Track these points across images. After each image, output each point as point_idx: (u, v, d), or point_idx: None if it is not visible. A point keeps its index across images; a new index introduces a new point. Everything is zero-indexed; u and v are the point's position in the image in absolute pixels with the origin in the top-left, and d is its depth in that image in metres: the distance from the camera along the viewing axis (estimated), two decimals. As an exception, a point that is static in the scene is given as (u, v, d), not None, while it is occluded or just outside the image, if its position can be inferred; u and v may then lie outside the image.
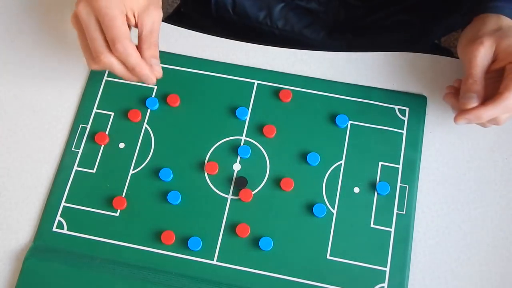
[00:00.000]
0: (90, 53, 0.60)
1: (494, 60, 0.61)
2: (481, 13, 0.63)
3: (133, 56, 0.59)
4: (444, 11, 0.79)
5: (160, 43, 0.72)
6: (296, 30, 0.76)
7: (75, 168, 0.65)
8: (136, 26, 0.61)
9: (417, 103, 0.67)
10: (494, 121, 0.60)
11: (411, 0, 0.79)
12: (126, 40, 0.58)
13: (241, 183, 0.64)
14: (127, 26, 0.59)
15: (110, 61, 0.59)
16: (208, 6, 0.81)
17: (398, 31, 0.81)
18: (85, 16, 0.58)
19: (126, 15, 0.59)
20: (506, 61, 0.59)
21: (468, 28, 0.64)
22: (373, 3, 0.80)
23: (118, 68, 0.60)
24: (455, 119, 0.60)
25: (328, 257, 0.61)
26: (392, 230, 0.62)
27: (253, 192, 0.64)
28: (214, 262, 0.61)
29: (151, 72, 0.60)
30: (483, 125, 0.62)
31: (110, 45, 0.58)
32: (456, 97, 0.62)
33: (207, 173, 0.64)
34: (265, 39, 0.74)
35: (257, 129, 0.66)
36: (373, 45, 0.79)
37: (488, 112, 0.58)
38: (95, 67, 0.60)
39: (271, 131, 0.66)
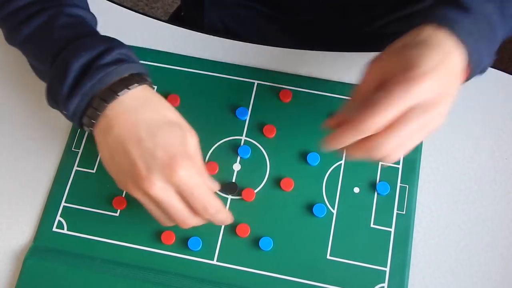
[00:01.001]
0: (168, 220, 0.55)
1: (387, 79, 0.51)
2: (424, 22, 0.53)
3: (224, 211, 0.56)
4: None
5: (160, 43, 0.72)
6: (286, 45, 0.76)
7: (75, 168, 0.65)
8: None
9: (417, 103, 0.67)
10: (376, 155, 0.51)
11: (408, 9, 0.79)
12: (215, 201, 0.54)
13: (231, 189, 0.63)
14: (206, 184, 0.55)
15: (198, 223, 0.56)
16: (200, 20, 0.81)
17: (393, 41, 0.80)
18: (164, 195, 0.52)
19: None
20: (392, 79, 0.50)
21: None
22: (371, 13, 0.79)
23: (202, 223, 0.57)
24: (321, 146, 0.53)
25: (328, 257, 0.61)
26: (392, 230, 0.62)
27: (253, 192, 0.64)
28: (214, 262, 0.61)
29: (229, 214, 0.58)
30: (382, 160, 0.52)
31: (199, 211, 0.54)
32: None
33: (207, 173, 0.64)
34: None
35: (257, 129, 0.66)
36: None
37: (345, 133, 0.50)
38: (171, 225, 0.56)
39: (271, 131, 0.66)
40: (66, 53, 0.55)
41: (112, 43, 0.56)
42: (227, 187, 0.63)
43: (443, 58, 0.50)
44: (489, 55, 0.55)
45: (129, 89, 0.54)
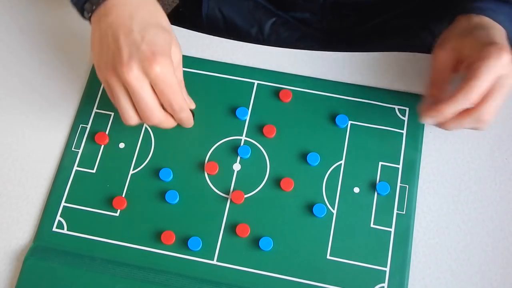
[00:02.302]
0: (135, 113, 0.59)
1: (461, 60, 0.60)
2: (461, 14, 0.63)
3: (186, 111, 0.61)
4: (439, 15, 0.79)
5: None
6: (289, 44, 0.76)
7: (75, 168, 0.65)
8: None
9: (417, 103, 0.67)
10: (474, 123, 0.59)
11: (407, 5, 0.79)
12: (182, 99, 0.59)
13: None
14: (154, 95, 0.58)
15: (161, 120, 0.59)
16: (201, 22, 0.81)
17: (395, 37, 0.80)
18: (138, 84, 0.56)
19: None
20: (473, 57, 0.58)
21: (443, 32, 0.64)
22: (367, 11, 0.79)
23: (168, 124, 0.61)
24: (420, 119, 0.60)
25: (328, 257, 0.61)
26: (392, 230, 0.62)
27: (253, 192, 0.64)
28: (214, 262, 0.61)
29: (192, 116, 0.64)
30: (475, 127, 0.60)
31: (165, 105, 0.59)
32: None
33: (207, 173, 0.64)
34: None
35: (257, 129, 0.66)
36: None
37: (448, 106, 0.57)
38: (136, 124, 0.60)
39: (271, 131, 0.66)
40: None
41: None
42: None
43: (502, 37, 0.60)
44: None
45: None
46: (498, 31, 0.60)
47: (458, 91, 0.57)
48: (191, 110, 0.63)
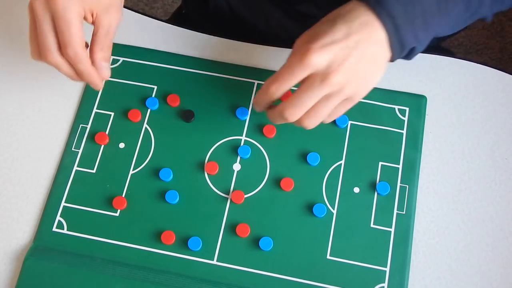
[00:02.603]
0: (37, 46, 0.58)
1: None
2: None
3: (83, 63, 0.58)
4: None
5: (160, 43, 0.72)
6: (295, 38, 0.76)
7: (75, 168, 0.65)
8: (93, 23, 0.59)
9: (417, 103, 0.67)
10: (280, 118, 0.56)
11: None
12: (78, 47, 0.56)
13: (187, 115, 0.65)
14: (82, 31, 0.57)
15: (57, 62, 0.58)
16: (206, 14, 0.81)
17: None
18: (40, 11, 0.55)
19: (84, 16, 0.58)
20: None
21: None
22: None
23: (65, 69, 0.59)
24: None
25: (328, 257, 0.61)
26: (392, 230, 0.62)
27: (253, 192, 0.64)
28: (214, 262, 0.61)
29: (98, 78, 0.60)
30: (298, 125, 0.57)
31: (61, 47, 0.57)
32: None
33: (207, 173, 0.64)
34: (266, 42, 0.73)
35: (257, 129, 0.66)
36: None
37: (258, 96, 0.56)
38: (38, 60, 0.59)
39: (271, 131, 0.66)
40: None
41: None
42: (184, 113, 0.65)
43: (350, 32, 0.52)
44: (418, 42, 0.56)
45: None
46: (351, 27, 0.53)
47: (265, 82, 0.56)
48: (191, 112, 0.63)
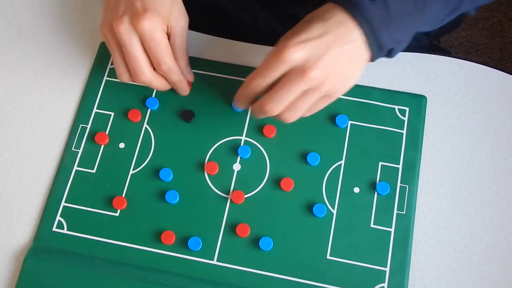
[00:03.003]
0: (126, 69, 0.60)
1: None
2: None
3: (176, 74, 0.61)
4: None
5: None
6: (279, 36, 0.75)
7: (75, 168, 0.65)
8: (168, 34, 0.61)
9: (417, 103, 0.67)
10: (259, 112, 0.58)
11: None
12: (171, 61, 0.60)
13: (187, 115, 0.66)
14: (169, 45, 0.60)
15: (150, 80, 0.60)
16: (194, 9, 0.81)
17: None
18: (127, 37, 0.58)
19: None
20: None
21: None
22: None
23: (158, 84, 0.62)
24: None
25: (328, 257, 0.61)
26: (392, 230, 0.62)
27: (253, 192, 0.64)
28: (214, 262, 0.61)
29: (186, 83, 0.64)
30: (279, 119, 0.58)
31: (154, 65, 0.60)
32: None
33: (207, 173, 0.64)
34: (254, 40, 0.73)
35: (257, 129, 0.66)
36: None
37: (242, 90, 0.58)
38: (128, 82, 0.62)
39: (271, 131, 0.66)
40: None
41: None
42: (184, 113, 0.66)
43: (325, 31, 0.54)
44: (396, 43, 0.57)
45: None
46: (326, 26, 0.54)
47: (246, 78, 0.57)
48: (191, 112, 0.63)
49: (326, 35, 0.54)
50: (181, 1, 0.61)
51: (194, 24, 0.69)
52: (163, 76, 0.62)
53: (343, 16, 0.54)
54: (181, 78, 0.63)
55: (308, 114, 0.59)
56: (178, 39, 0.61)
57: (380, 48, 0.56)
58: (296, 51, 0.53)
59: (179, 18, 0.61)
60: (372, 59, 0.57)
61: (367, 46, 0.55)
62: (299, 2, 0.78)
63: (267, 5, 0.80)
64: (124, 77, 0.61)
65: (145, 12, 0.57)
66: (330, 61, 0.54)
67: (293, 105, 0.56)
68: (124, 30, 0.57)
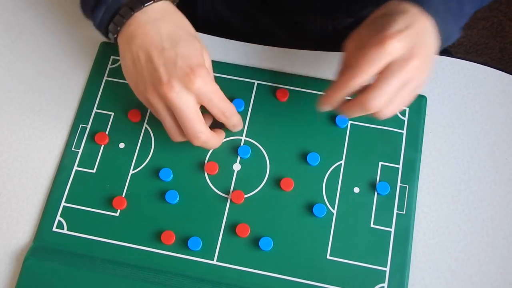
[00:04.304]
0: (178, 129, 0.59)
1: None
2: None
3: (237, 115, 0.62)
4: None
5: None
6: (282, 43, 0.76)
7: (75, 168, 0.65)
8: None
9: (417, 103, 0.67)
10: (360, 110, 0.56)
11: None
12: (229, 103, 0.59)
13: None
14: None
15: (209, 137, 0.59)
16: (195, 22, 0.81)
17: None
18: (181, 102, 0.56)
19: None
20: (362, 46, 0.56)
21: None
22: (358, 16, 0.79)
23: (215, 141, 0.61)
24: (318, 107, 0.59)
25: (328, 257, 0.61)
26: (392, 230, 0.62)
27: (253, 192, 0.64)
28: (214, 262, 0.61)
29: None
30: (376, 115, 0.57)
31: (217, 116, 0.59)
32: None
33: (207, 173, 0.64)
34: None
35: (257, 129, 0.66)
36: None
37: (332, 92, 0.56)
38: (183, 140, 0.60)
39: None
40: None
41: None
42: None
43: (410, 22, 0.55)
44: (457, 29, 0.60)
45: (154, 1, 0.58)
46: (408, 18, 0.55)
47: (341, 77, 0.56)
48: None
49: (412, 25, 0.54)
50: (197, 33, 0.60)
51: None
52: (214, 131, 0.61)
53: (414, 8, 0.56)
54: (239, 117, 0.63)
55: (400, 108, 0.59)
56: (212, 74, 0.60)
57: (447, 38, 0.58)
58: (398, 41, 0.53)
59: (207, 56, 0.60)
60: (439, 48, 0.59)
61: (438, 36, 0.57)
62: (303, 9, 0.78)
63: (271, 13, 0.80)
64: (178, 138, 0.60)
65: (193, 70, 0.55)
66: (424, 50, 0.55)
67: (395, 97, 0.55)
68: (177, 95, 0.55)
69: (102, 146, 0.66)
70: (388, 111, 0.56)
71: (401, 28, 0.54)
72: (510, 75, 0.69)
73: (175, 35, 0.57)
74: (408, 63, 0.54)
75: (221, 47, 0.71)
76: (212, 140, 0.60)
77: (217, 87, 0.58)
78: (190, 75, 0.55)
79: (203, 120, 0.58)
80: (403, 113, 0.66)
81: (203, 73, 0.56)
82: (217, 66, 0.69)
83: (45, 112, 0.68)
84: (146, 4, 0.58)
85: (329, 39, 0.81)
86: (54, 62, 0.71)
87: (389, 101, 0.55)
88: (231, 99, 0.67)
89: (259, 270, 0.61)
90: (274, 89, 0.68)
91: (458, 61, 0.69)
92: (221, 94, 0.58)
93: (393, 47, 0.53)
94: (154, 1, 0.58)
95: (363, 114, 0.56)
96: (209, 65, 0.60)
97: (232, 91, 0.68)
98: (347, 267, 0.60)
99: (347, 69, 0.56)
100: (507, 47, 1.46)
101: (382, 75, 0.54)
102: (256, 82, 0.68)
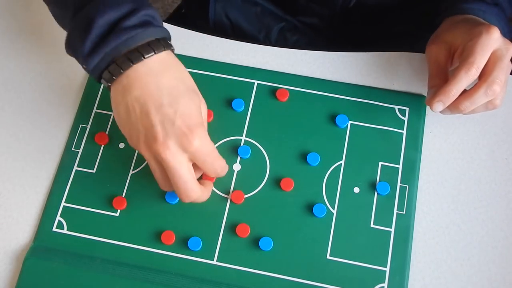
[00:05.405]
0: (168, 182, 0.57)
1: (454, 50, 0.63)
2: (449, 16, 0.67)
3: (227, 167, 0.59)
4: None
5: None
6: (295, 48, 0.76)
7: (75, 168, 0.65)
8: None
9: (417, 103, 0.67)
10: (485, 97, 0.60)
11: (408, 11, 0.79)
12: (223, 162, 0.58)
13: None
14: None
15: (199, 195, 0.57)
16: (207, 25, 0.81)
17: (399, 42, 0.80)
18: (175, 162, 0.54)
19: None
20: (465, 42, 0.61)
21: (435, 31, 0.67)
22: (375, 17, 0.79)
23: (205, 196, 0.59)
24: (430, 106, 0.61)
25: (328, 257, 0.61)
26: (392, 230, 0.62)
27: (253, 192, 0.64)
28: (214, 262, 0.61)
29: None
30: (485, 108, 0.62)
31: (209, 173, 0.58)
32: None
33: (207, 173, 0.64)
34: None
35: (257, 129, 0.66)
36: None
37: (452, 86, 0.59)
38: (170, 190, 0.58)
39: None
40: (91, 7, 0.55)
41: (138, 3, 0.56)
42: None
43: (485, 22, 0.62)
44: (505, 34, 0.65)
45: (155, 52, 0.55)
46: (484, 21, 0.63)
47: (458, 69, 0.59)
48: None
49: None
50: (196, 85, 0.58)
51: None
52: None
53: (480, 20, 0.64)
54: (227, 169, 0.60)
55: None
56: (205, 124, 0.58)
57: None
58: (497, 31, 0.60)
59: (204, 109, 0.58)
60: None
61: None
62: (314, 12, 0.78)
63: (282, 15, 0.80)
64: (168, 189, 0.57)
65: (191, 130, 0.53)
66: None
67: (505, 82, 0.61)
68: (172, 155, 0.53)
69: (102, 146, 0.66)
70: (503, 94, 0.61)
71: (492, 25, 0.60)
72: (510, 75, 0.68)
73: (175, 91, 0.54)
74: (509, 47, 0.60)
75: (221, 47, 0.71)
76: (202, 197, 0.58)
77: (213, 147, 0.56)
78: (189, 136, 0.53)
79: (195, 179, 0.56)
80: (403, 113, 0.66)
81: (201, 133, 0.54)
82: (217, 66, 0.69)
83: (45, 112, 0.68)
84: (146, 56, 0.54)
85: (342, 44, 0.81)
86: (54, 63, 0.71)
87: (505, 83, 0.60)
88: (231, 99, 0.67)
89: (259, 270, 0.61)
90: (274, 89, 0.68)
91: (458, 61, 0.69)
92: (215, 154, 0.57)
93: (498, 34, 0.59)
94: (155, 53, 0.55)
95: (485, 102, 0.60)
96: (205, 116, 0.58)
97: (232, 91, 0.68)
98: (347, 267, 0.60)
99: (462, 62, 0.60)
100: (507, 47, 1.46)
101: (494, 58, 0.59)
102: (256, 82, 0.68)
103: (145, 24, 0.55)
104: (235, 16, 0.80)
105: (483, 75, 0.60)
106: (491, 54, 0.60)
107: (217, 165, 0.57)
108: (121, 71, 0.54)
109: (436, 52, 0.64)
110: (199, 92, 0.57)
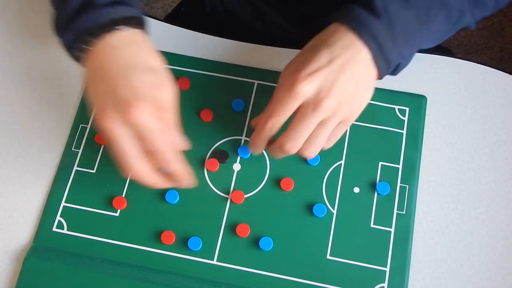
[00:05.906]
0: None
1: None
2: (339, 20, 0.57)
3: (174, 163, 0.55)
4: None
5: (159, 43, 0.72)
6: (294, 38, 0.76)
7: (75, 168, 0.65)
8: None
9: (417, 103, 0.67)
10: (280, 153, 0.58)
11: None
12: (166, 149, 0.54)
13: (222, 156, 0.64)
14: (163, 131, 0.54)
15: (141, 172, 0.54)
16: (203, 15, 0.81)
17: None
18: (112, 131, 0.52)
19: None
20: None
21: None
22: None
23: (151, 179, 0.55)
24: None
25: (328, 257, 0.61)
26: (392, 230, 0.62)
27: (253, 192, 0.64)
28: (214, 262, 0.61)
29: (185, 176, 0.57)
30: (301, 156, 0.58)
31: (156, 156, 0.54)
32: None
33: (207, 170, 0.64)
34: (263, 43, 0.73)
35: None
36: None
37: (257, 136, 0.58)
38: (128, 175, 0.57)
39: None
40: None
41: None
42: (218, 154, 0.65)
43: (335, 55, 0.54)
44: (403, 58, 0.58)
45: (117, 29, 0.55)
46: (336, 50, 0.54)
47: (257, 122, 0.58)
48: (219, 158, 0.62)
49: (334, 61, 0.54)
50: (164, 68, 0.56)
51: (206, 31, 0.70)
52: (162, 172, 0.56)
53: (349, 37, 0.54)
54: (180, 167, 0.56)
55: (329, 146, 0.59)
56: (167, 114, 0.55)
57: (387, 65, 0.56)
58: (307, 84, 0.53)
59: (166, 91, 0.54)
60: (380, 76, 0.57)
61: (375, 64, 0.55)
62: (310, 1, 0.78)
63: (278, 6, 0.80)
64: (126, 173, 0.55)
65: (135, 103, 0.51)
66: (341, 87, 0.54)
67: (311, 139, 0.56)
68: (111, 123, 0.52)
69: (102, 146, 0.66)
70: (311, 151, 0.57)
71: (319, 66, 0.54)
72: (510, 75, 0.69)
73: (131, 66, 0.54)
74: (320, 104, 0.53)
75: (221, 47, 0.71)
76: (148, 177, 0.54)
77: (158, 126, 0.53)
78: (131, 107, 0.51)
79: (139, 155, 0.53)
80: (403, 113, 0.66)
81: (144, 106, 0.51)
82: (217, 66, 0.69)
83: (45, 112, 0.68)
84: (111, 31, 0.55)
85: None
86: (54, 62, 0.71)
87: (308, 142, 0.56)
88: (231, 99, 0.67)
89: (259, 270, 0.61)
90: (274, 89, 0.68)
91: (458, 61, 0.69)
92: (156, 135, 0.53)
93: (302, 91, 0.53)
94: (120, 30, 0.55)
95: (286, 156, 0.57)
96: (168, 100, 0.54)
97: (232, 91, 0.68)
98: (347, 267, 0.60)
99: (266, 109, 0.56)
100: (507, 47, 1.46)
101: (295, 118, 0.55)
102: (256, 82, 0.68)
103: (116, 3, 0.56)
104: (231, 6, 0.80)
105: (285, 131, 0.56)
106: (299, 108, 0.54)
107: (158, 148, 0.53)
108: (87, 45, 0.55)
109: (282, 76, 0.57)
110: (163, 73, 0.55)
